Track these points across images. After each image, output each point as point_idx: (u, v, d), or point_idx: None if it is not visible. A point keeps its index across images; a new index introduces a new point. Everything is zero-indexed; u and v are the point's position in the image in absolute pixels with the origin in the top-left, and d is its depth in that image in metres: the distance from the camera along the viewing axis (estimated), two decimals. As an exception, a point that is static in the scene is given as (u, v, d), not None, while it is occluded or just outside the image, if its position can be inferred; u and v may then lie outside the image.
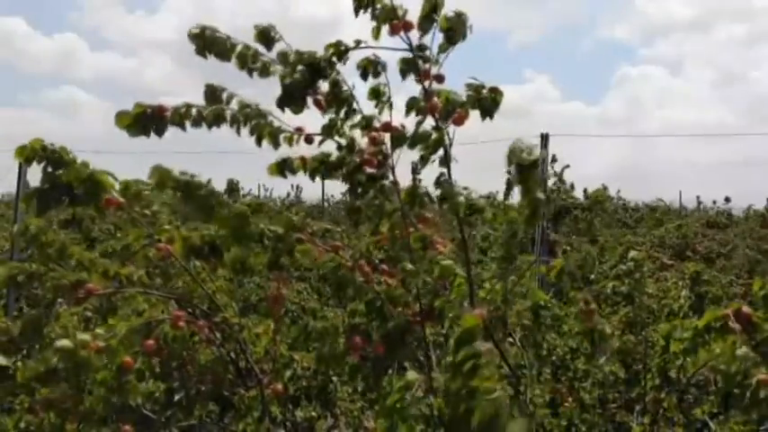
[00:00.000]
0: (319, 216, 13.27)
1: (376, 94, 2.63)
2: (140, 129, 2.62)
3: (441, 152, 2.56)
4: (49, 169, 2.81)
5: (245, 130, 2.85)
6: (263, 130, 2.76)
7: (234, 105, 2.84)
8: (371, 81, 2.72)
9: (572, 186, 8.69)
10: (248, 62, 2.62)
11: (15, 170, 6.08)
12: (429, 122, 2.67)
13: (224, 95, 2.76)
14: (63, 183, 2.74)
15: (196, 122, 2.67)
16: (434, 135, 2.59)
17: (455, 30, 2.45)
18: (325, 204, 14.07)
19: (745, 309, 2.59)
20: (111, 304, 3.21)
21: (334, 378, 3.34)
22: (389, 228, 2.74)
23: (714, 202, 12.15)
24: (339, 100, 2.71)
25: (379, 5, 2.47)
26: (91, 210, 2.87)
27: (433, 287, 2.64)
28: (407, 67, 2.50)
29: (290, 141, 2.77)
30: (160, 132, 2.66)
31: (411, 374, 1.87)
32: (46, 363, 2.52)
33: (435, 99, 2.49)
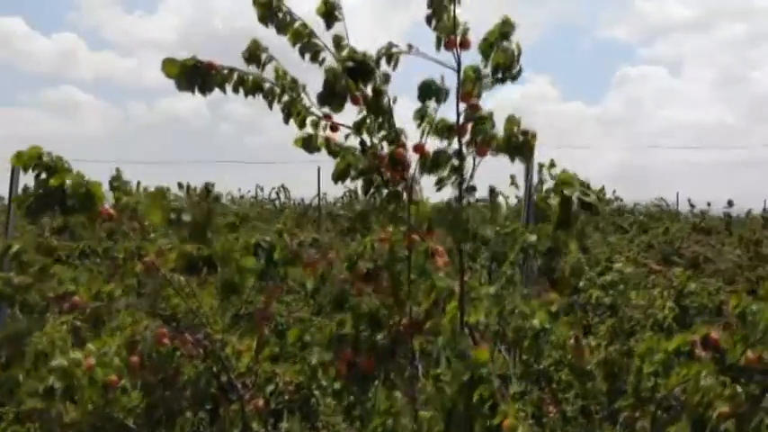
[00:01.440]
0: (315, 215, 13.28)
1: (422, 116, 2.65)
2: (186, 82, 2.64)
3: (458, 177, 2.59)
4: (43, 175, 2.85)
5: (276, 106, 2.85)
6: (295, 108, 2.79)
7: (270, 70, 2.81)
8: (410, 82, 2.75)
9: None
10: (303, 40, 2.63)
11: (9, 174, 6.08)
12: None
13: (263, 56, 2.75)
14: (56, 191, 2.78)
15: (236, 88, 2.69)
16: (456, 162, 2.62)
17: (506, 66, 2.47)
18: (321, 203, 14.10)
19: (714, 334, 2.64)
20: (98, 315, 3.26)
21: (316, 392, 3.39)
22: (395, 233, 2.79)
23: (708, 204, 12.20)
24: (378, 108, 2.71)
25: (444, 17, 2.48)
26: (83, 219, 2.91)
27: (427, 307, 2.70)
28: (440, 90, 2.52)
29: (315, 126, 2.77)
30: (204, 90, 2.68)
31: (397, 396, 1.93)
32: (42, 381, 2.60)
33: (468, 125, 2.53)
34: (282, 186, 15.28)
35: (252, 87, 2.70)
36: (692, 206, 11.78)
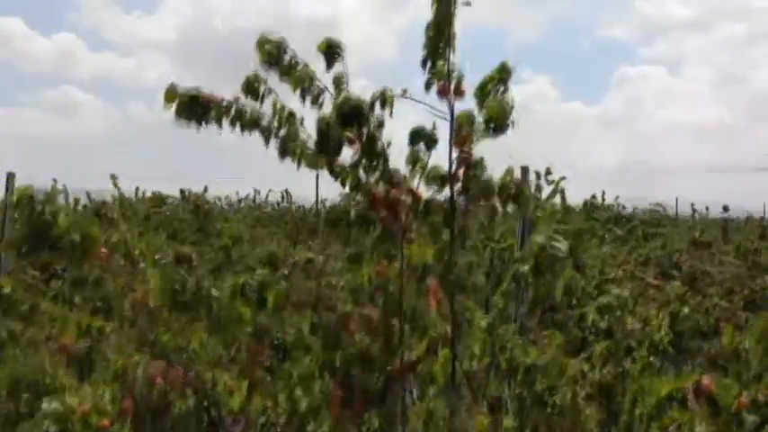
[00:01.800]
0: (314, 220, 13.29)
1: (414, 161, 2.64)
2: (185, 114, 2.63)
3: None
4: (37, 208, 2.85)
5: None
6: (291, 145, 2.78)
7: (268, 104, 2.80)
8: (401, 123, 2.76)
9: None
10: (304, 84, 2.63)
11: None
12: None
13: (261, 89, 2.75)
14: (47, 231, 2.79)
15: (233, 122, 2.68)
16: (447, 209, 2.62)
17: (499, 120, 2.46)
18: (320, 208, 14.11)
19: (706, 381, 2.62)
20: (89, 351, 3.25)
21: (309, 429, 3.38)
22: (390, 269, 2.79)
23: (707, 209, 12.18)
24: (372, 151, 2.70)
25: (439, 63, 2.47)
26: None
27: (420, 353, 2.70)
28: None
29: (312, 164, 2.76)
30: (201, 122, 2.67)
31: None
32: (38, 425, 2.62)
33: (459, 172, 2.53)
34: (286, 191, 15.28)
35: (249, 122, 2.70)
36: (694, 210, 11.77)
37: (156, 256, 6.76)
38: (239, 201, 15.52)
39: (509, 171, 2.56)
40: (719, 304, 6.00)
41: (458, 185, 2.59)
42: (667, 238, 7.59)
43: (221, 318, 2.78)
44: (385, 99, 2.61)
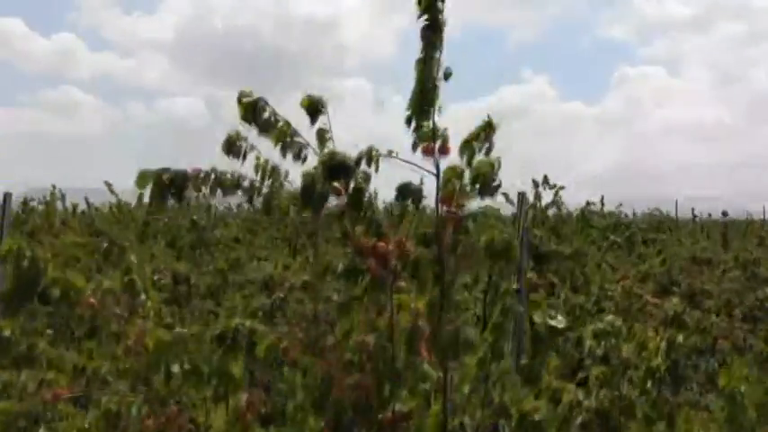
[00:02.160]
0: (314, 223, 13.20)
1: (401, 215, 2.62)
2: (161, 196, 2.60)
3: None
4: (24, 262, 2.86)
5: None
6: (275, 199, 2.77)
7: (251, 159, 2.78)
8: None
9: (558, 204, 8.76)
10: (285, 139, 2.61)
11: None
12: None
13: (243, 146, 2.72)
14: (35, 283, 2.79)
15: (213, 190, 2.66)
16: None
17: (485, 180, 2.45)
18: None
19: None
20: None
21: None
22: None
23: (710, 215, 12.15)
24: (358, 203, 2.69)
25: (424, 125, 2.46)
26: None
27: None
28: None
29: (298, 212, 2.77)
30: (180, 199, 2.65)
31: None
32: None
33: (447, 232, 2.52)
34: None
35: (230, 186, 2.68)
36: (695, 216, 11.74)
37: (156, 277, 6.76)
38: (239, 205, 15.47)
39: (494, 227, 2.54)
40: (717, 323, 5.98)
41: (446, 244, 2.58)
42: (666, 247, 7.56)
43: (210, 374, 2.78)
44: (371, 157, 2.60)
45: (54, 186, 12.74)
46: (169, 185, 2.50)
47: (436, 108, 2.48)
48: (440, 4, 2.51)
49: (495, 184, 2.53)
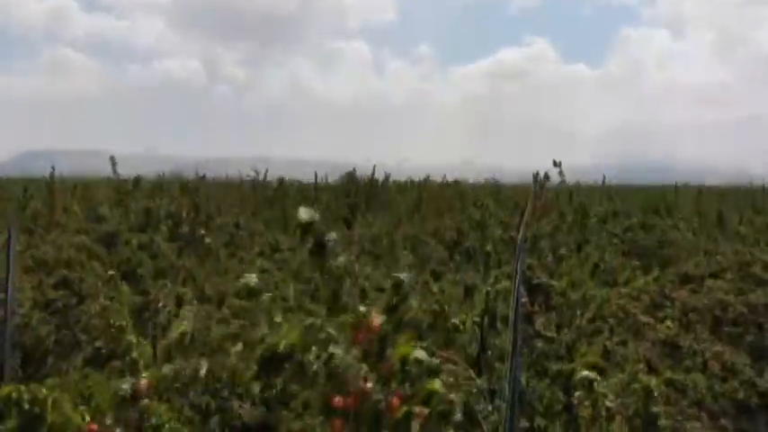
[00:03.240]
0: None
1: None
2: None
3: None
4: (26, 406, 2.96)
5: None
6: None
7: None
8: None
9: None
10: None
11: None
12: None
13: None
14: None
15: None
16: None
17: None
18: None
19: None
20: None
21: None
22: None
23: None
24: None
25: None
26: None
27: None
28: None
29: None
30: None
31: None
32: None
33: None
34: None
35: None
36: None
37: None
38: (240, 180, 15.47)
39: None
40: (709, 348, 6.09)
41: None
42: (659, 274, 7.60)
43: None
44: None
45: (53, 167, 12.70)
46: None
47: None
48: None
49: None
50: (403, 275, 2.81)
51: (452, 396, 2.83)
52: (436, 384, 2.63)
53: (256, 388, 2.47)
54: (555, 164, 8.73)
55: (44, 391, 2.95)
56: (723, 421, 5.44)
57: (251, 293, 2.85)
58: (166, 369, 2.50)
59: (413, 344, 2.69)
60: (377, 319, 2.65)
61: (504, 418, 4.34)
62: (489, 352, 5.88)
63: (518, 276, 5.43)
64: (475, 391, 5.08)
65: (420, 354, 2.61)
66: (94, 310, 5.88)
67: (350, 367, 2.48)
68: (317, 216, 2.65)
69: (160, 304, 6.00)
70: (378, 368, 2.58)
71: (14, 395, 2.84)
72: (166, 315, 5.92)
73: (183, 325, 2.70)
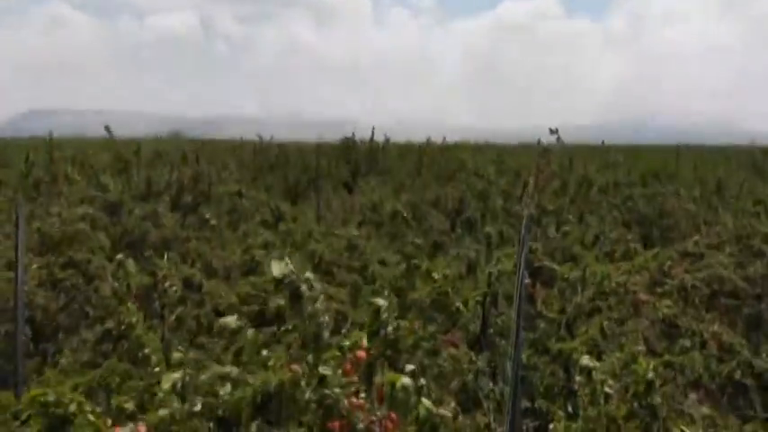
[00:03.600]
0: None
1: None
2: None
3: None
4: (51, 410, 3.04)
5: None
6: None
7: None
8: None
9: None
10: None
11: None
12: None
13: None
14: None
15: None
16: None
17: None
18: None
19: None
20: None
21: None
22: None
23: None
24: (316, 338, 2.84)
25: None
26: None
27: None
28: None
29: None
30: None
31: None
32: None
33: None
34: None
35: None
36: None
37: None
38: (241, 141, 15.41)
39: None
40: (705, 328, 6.20)
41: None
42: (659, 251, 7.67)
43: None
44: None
45: (51, 132, 12.63)
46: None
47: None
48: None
49: None
50: (380, 301, 2.92)
51: (441, 411, 2.98)
52: (423, 408, 2.78)
53: (253, 427, 2.61)
54: (551, 131, 8.75)
55: (68, 395, 3.05)
56: (719, 400, 5.61)
57: (233, 333, 2.99)
58: (162, 413, 2.64)
59: (397, 375, 2.81)
60: (361, 353, 2.79)
61: (507, 399, 4.47)
62: (491, 329, 6.01)
63: (521, 266, 5.51)
64: (476, 371, 5.22)
65: (405, 381, 2.72)
66: (103, 291, 5.99)
67: (341, 395, 2.65)
68: (289, 268, 2.75)
69: (167, 284, 6.09)
70: (369, 393, 2.75)
71: (40, 399, 2.94)
72: (174, 295, 6.02)
73: (174, 376, 2.82)
